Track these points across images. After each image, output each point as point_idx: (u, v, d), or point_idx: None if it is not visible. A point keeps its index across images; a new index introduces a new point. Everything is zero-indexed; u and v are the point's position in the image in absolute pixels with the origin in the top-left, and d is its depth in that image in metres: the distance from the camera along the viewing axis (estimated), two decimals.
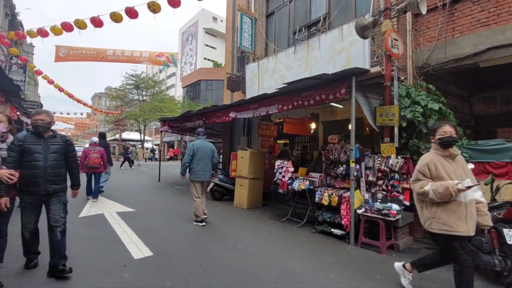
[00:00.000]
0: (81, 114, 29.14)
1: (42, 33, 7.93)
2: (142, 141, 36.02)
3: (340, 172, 4.57)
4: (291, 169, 5.38)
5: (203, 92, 42.00)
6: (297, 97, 5.21)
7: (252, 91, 9.20)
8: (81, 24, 7.33)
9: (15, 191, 2.90)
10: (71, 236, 3.53)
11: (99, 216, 5.43)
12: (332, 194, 4.47)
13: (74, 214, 5.37)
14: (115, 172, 14.91)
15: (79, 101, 17.11)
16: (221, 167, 9.48)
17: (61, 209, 2.98)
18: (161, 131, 11.91)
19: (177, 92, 48.40)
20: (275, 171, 5.68)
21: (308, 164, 7.92)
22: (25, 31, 22.29)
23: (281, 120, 9.86)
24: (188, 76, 45.87)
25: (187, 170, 5.30)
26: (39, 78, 28.19)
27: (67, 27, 7.54)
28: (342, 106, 7.48)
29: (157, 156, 34.46)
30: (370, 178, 4.42)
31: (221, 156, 11.03)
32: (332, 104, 7.19)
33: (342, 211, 4.34)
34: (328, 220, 4.65)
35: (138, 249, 3.77)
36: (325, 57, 6.87)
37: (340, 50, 6.52)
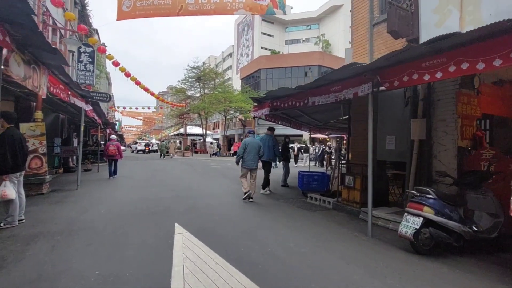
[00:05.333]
0: (148, 108, 27.85)
1: None
2: (204, 135, 34.03)
3: None
4: None
5: (263, 82, 38.07)
6: None
7: (436, 33, 4.60)
8: None
9: None
10: None
11: None
12: None
13: None
14: (195, 174, 11.83)
15: (146, 89, 14.58)
16: (432, 187, 4.86)
17: None
18: (254, 117, 8.16)
19: (235, 86, 45.62)
20: None
21: None
22: (92, 22, 20.97)
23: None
24: (246, 67, 42.54)
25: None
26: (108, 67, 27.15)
27: None
28: None
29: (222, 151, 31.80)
30: None
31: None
32: None
33: None
34: None
35: None
36: None
37: None
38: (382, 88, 3.98)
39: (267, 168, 7.74)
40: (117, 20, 6.51)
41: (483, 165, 4.26)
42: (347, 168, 6.79)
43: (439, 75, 3.12)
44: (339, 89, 4.58)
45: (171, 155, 25.85)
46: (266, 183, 7.61)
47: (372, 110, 4.08)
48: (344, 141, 19.50)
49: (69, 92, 6.03)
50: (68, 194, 6.71)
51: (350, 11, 7.77)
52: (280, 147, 8.82)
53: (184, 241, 3.53)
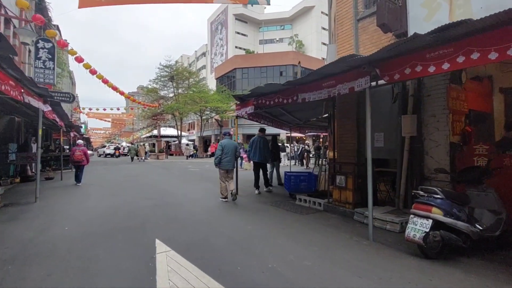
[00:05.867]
0: (118, 109, 26.09)
1: None
2: (179, 137, 32.71)
3: None
4: None
5: (239, 82, 37.55)
6: None
7: (425, 27, 4.48)
8: None
9: None
10: None
11: None
12: None
13: None
14: (172, 178, 11.03)
15: (115, 88, 13.43)
16: (425, 185, 4.52)
17: None
18: (236, 116, 7.68)
19: (209, 85, 44.69)
20: None
21: None
22: (51, 16, 19.06)
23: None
24: (221, 66, 41.70)
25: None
26: (71, 63, 24.92)
27: None
28: None
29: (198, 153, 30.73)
30: None
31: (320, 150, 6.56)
32: None
33: None
34: None
35: None
36: None
37: None
38: (381, 82, 3.74)
39: (263, 168, 7.85)
40: (79, 7, 5.69)
41: (476, 161, 4.20)
42: (335, 167, 6.56)
43: (446, 66, 2.90)
44: (333, 84, 4.28)
45: (140, 158, 24.46)
46: (266, 181, 7.84)
47: (370, 106, 3.82)
48: (321, 139, 19.61)
49: (22, 90, 5.12)
50: (24, 209, 5.76)
51: (323, 12, 7.60)
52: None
53: (168, 263, 2.99)
